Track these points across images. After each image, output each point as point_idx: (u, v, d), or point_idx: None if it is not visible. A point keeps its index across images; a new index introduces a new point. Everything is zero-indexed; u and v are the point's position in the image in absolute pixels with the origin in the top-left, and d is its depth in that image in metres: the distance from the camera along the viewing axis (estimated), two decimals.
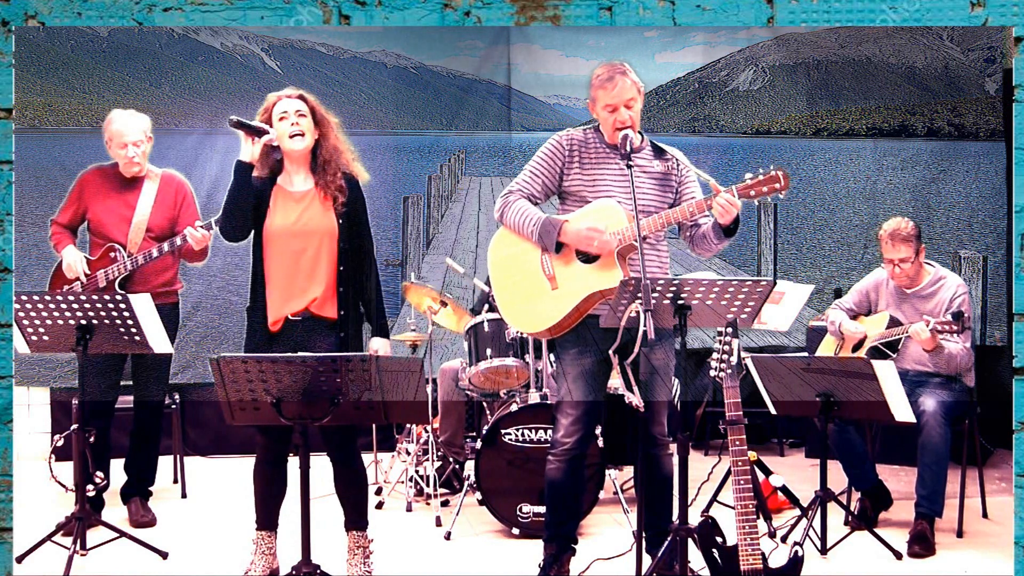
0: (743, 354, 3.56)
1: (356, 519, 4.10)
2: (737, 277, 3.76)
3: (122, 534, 4.39)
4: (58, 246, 4.93)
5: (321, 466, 4.11)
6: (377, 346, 4.06)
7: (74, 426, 4.45)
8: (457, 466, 5.35)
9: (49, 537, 4.22)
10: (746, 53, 7.13)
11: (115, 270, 4.78)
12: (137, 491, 4.99)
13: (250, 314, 4.01)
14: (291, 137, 3.93)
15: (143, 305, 4.09)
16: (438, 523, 4.94)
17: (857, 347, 4.99)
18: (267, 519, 4.09)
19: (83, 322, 4.07)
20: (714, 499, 4.89)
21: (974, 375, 4.96)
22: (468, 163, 7.08)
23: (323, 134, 4.01)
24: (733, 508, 3.42)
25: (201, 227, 4.63)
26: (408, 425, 5.59)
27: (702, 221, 3.88)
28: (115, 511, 4.93)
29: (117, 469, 5.10)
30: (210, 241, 4.72)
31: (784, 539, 4.55)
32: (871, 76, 7.11)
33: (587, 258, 3.80)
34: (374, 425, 5.69)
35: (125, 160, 4.82)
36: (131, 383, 4.99)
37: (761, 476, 4.82)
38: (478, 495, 4.75)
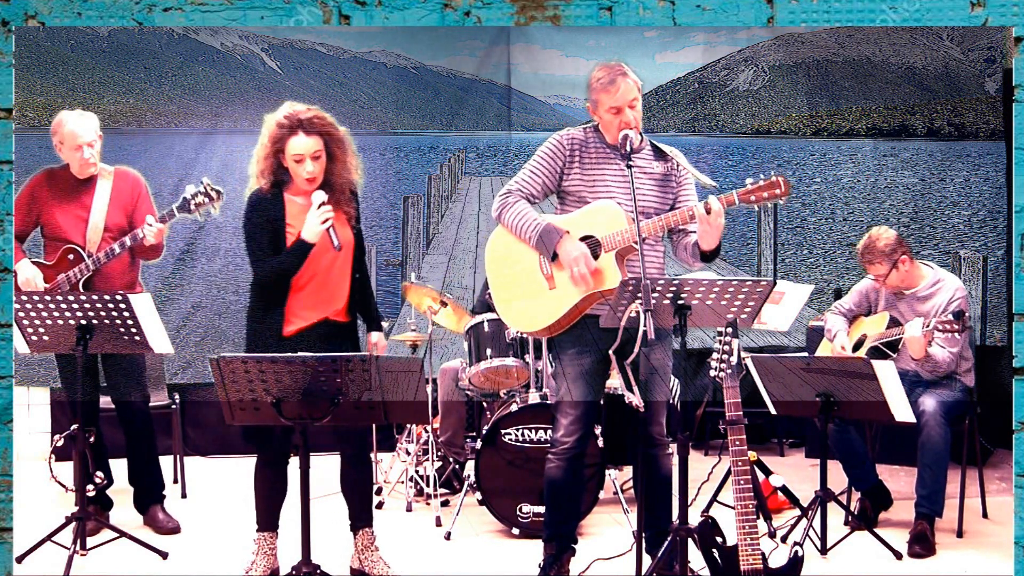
0: (743, 354, 3.56)
1: (365, 515, 4.15)
2: (737, 277, 3.76)
3: (122, 534, 4.39)
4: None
5: (321, 466, 4.11)
6: (376, 339, 4.20)
7: (74, 426, 4.43)
8: (457, 466, 5.35)
9: (49, 537, 4.22)
10: (746, 53, 7.13)
11: (77, 272, 4.67)
12: (153, 498, 4.95)
13: (257, 319, 4.00)
14: (307, 181, 3.91)
15: (143, 305, 4.08)
16: (438, 523, 4.94)
17: (857, 347, 5.00)
18: (268, 520, 4.10)
19: (83, 322, 4.06)
20: (714, 499, 4.89)
21: (974, 375, 4.97)
22: (468, 163, 7.08)
23: (331, 156, 3.97)
24: (733, 508, 3.41)
25: (156, 222, 4.58)
26: (408, 425, 5.59)
27: (691, 229, 3.85)
28: (117, 511, 4.93)
29: (116, 469, 5.09)
30: (165, 236, 4.70)
31: (784, 539, 4.55)
32: (871, 76, 7.11)
33: None
34: (374, 425, 5.68)
35: (81, 161, 4.68)
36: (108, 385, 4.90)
37: (761, 476, 4.82)
38: (478, 495, 4.75)
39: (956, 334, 4.61)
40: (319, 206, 3.88)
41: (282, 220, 3.95)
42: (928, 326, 4.60)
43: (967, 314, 4.65)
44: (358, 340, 4.16)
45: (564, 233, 3.76)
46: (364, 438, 4.23)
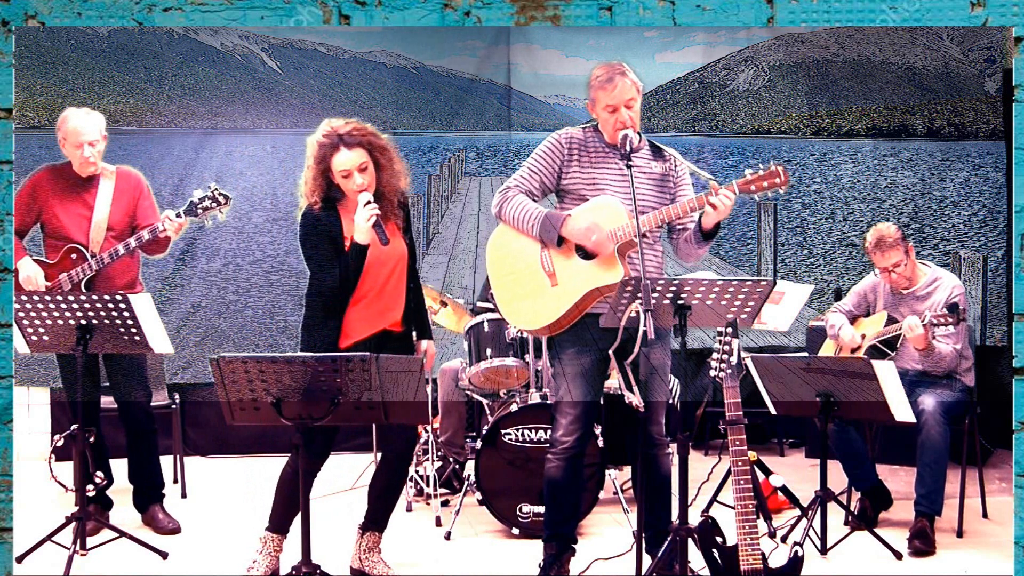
0: (743, 354, 3.56)
1: (382, 520, 4.15)
2: (737, 277, 3.77)
3: (122, 534, 4.38)
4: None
5: (322, 467, 4.10)
6: (426, 346, 4.23)
7: (74, 426, 4.43)
8: (457, 466, 5.35)
9: (49, 537, 4.22)
10: (746, 53, 7.13)
11: (80, 271, 4.65)
12: (153, 498, 4.94)
13: (313, 331, 3.98)
14: (359, 193, 3.87)
15: (143, 305, 4.08)
16: (438, 523, 4.94)
17: (856, 347, 5.00)
18: (281, 524, 4.08)
19: (83, 322, 4.06)
20: (714, 499, 4.89)
21: (974, 375, 4.97)
22: (468, 163, 7.08)
23: (378, 166, 3.94)
24: (733, 508, 3.42)
25: (175, 216, 4.60)
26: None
27: (689, 225, 3.86)
28: (118, 511, 4.92)
29: (117, 469, 5.09)
30: (182, 232, 4.71)
31: (784, 539, 4.54)
32: (871, 76, 7.11)
33: (587, 254, 3.80)
34: (374, 425, 5.68)
35: (81, 160, 4.65)
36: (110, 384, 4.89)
37: (761, 476, 4.81)
38: (478, 495, 4.75)
39: (951, 326, 4.62)
40: (364, 204, 3.85)
41: (340, 234, 3.93)
42: (924, 320, 4.61)
43: (963, 308, 4.65)
44: (413, 349, 4.18)
45: (566, 216, 3.77)
46: (411, 445, 4.24)
